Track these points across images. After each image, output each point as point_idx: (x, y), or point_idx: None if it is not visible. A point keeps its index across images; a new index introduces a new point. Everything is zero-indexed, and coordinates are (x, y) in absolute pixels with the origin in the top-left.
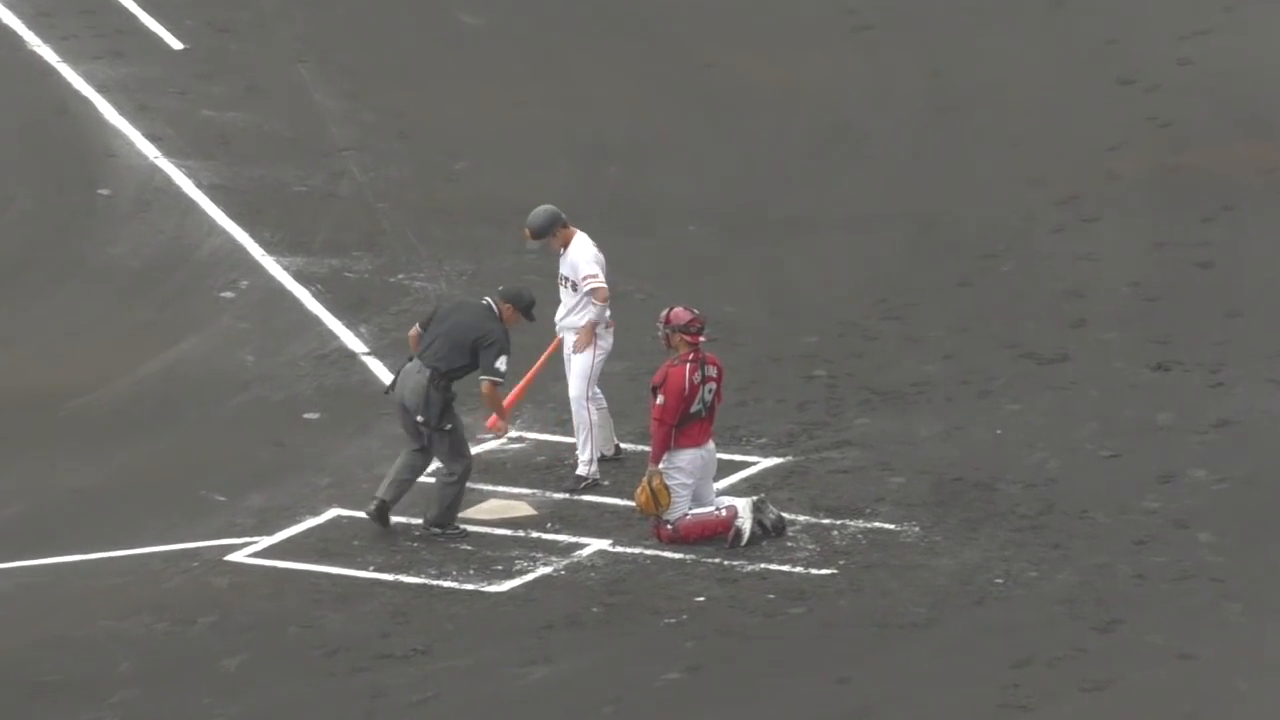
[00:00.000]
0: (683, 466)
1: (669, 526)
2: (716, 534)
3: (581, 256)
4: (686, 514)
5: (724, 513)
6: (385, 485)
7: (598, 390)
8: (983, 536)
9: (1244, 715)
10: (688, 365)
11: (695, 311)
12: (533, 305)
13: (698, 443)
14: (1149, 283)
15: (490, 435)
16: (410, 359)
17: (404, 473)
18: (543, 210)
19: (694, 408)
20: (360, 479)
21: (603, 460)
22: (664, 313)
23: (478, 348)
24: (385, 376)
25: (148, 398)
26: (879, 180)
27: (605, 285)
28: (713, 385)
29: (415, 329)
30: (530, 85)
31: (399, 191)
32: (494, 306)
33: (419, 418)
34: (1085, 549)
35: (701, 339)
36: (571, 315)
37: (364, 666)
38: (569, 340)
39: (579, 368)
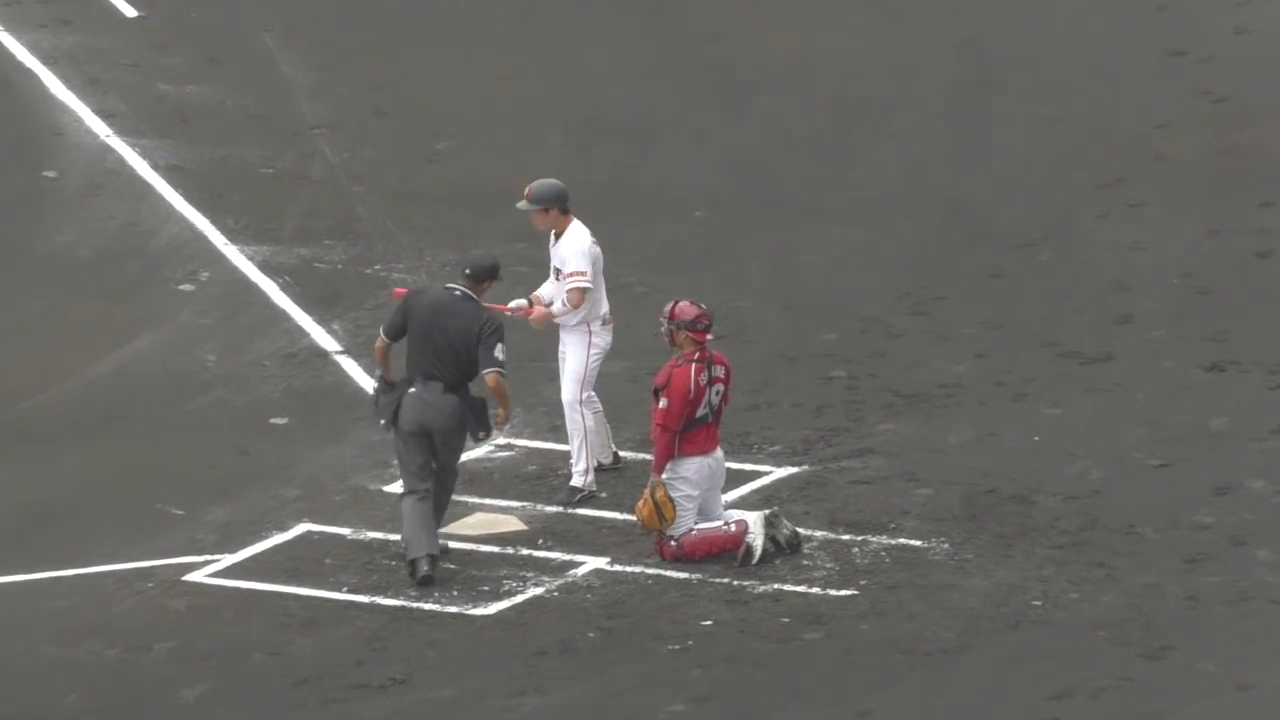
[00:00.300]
0: (688, 477)
1: (673, 543)
2: (725, 551)
3: (574, 249)
4: (692, 529)
5: (733, 528)
6: (422, 541)
7: (593, 394)
8: (1018, 554)
9: None
10: (693, 365)
11: (702, 306)
12: (499, 266)
13: (704, 450)
14: (1202, 274)
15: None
16: (406, 383)
17: (431, 519)
18: (554, 181)
19: (700, 412)
20: (333, 491)
21: (600, 470)
22: (668, 307)
23: (477, 343)
24: (360, 377)
25: (98, 401)
26: (904, 162)
27: (590, 288)
28: (720, 387)
29: (382, 340)
30: (520, 56)
31: (375, 174)
32: (469, 293)
33: (483, 435)
34: (1132, 568)
35: (709, 336)
36: (555, 305)
37: (336, 698)
38: (566, 339)
39: (572, 369)
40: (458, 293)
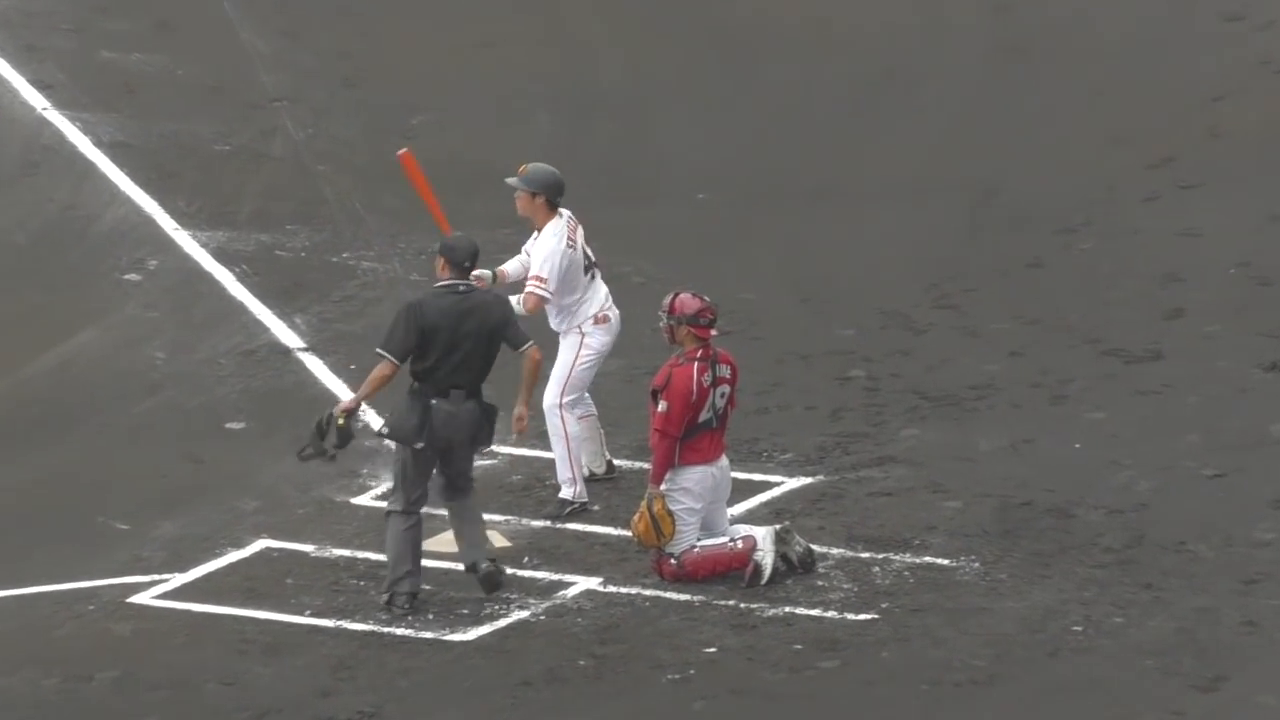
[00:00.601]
0: (689, 488)
1: (673, 561)
2: (731, 570)
3: (543, 251)
4: (694, 546)
5: (740, 544)
6: (474, 546)
7: (586, 396)
8: (1057, 574)
9: None
10: (695, 364)
11: (706, 299)
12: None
13: (707, 458)
14: (1261, 263)
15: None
16: (420, 397)
17: (473, 516)
18: (554, 170)
19: (703, 416)
20: (295, 503)
21: (591, 480)
22: (667, 300)
23: (502, 327)
24: (326, 377)
25: (34, 403)
26: (930, 139)
27: (547, 297)
28: (726, 388)
29: (392, 365)
30: (504, 21)
31: (343, 152)
32: (470, 284)
33: (485, 447)
34: (1183, 589)
35: (713, 332)
36: (552, 314)
37: None
38: (560, 339)
39: (556, 370)
40: (461, 288)
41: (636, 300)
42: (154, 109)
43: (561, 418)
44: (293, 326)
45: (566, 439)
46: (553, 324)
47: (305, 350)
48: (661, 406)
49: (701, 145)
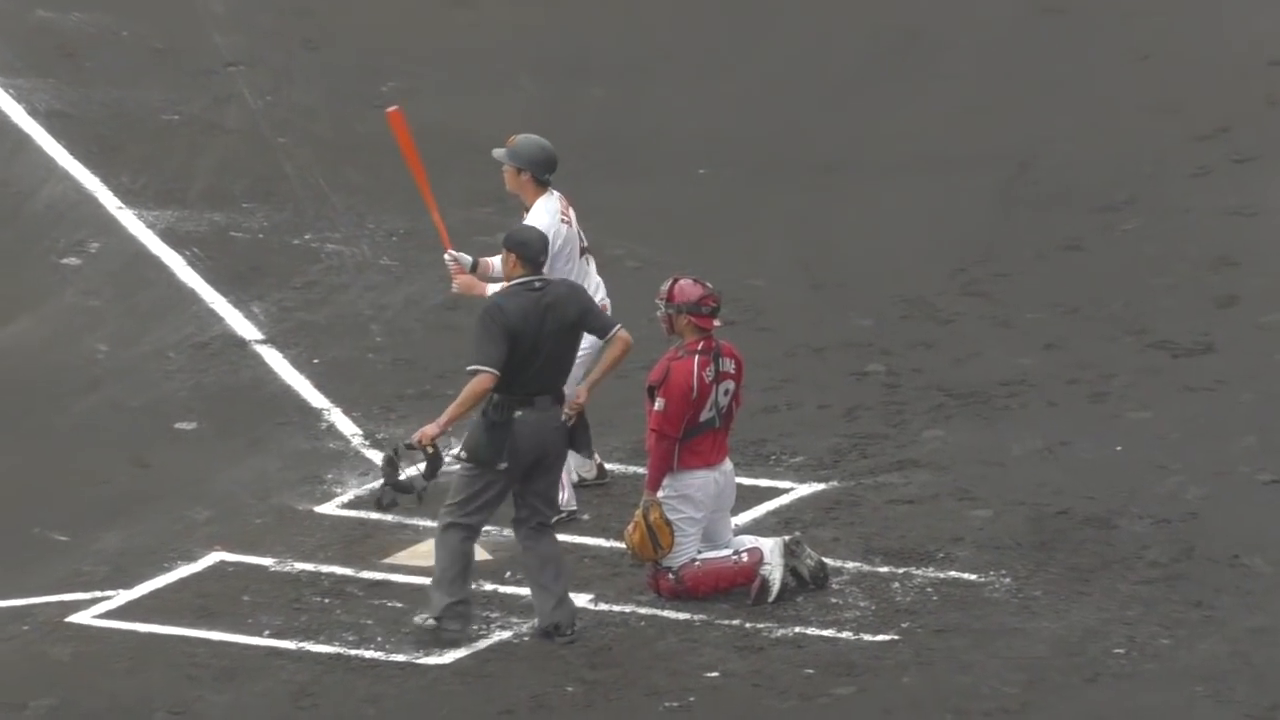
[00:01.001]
0: (690, 495)
1: (671, 576)
2: (734, 586)
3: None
4: (694, 559)
5: (745, 558)
6: (561, 604)
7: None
8: (1097, 591)
9: None
10: (696, 358)
11: (708, 286)
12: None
13: (709, 462)
14: None
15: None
16: (503, 410)
17: (559, 562)
18: (546, 144)
19: (704, 415)
20: (252, 512)
21: (580, 486)
22: (665, 286)
23: (584, 315)
24: (286, 372)
25: None
26: (958, 106)
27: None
28: (730, 384)
29: (492, 376)
30: None
31: (305, 122)
32: (546, 279)
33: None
34: (1237, 608)
35: (716, 323)
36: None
37: None
38: None
39: None
40: (537, 284)
41: (630, 287)
42: (95, 74)
43: None
44: (249, 316)
45: None
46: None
47: (263, 342)
48: (658, 405)
49: (703, 113)
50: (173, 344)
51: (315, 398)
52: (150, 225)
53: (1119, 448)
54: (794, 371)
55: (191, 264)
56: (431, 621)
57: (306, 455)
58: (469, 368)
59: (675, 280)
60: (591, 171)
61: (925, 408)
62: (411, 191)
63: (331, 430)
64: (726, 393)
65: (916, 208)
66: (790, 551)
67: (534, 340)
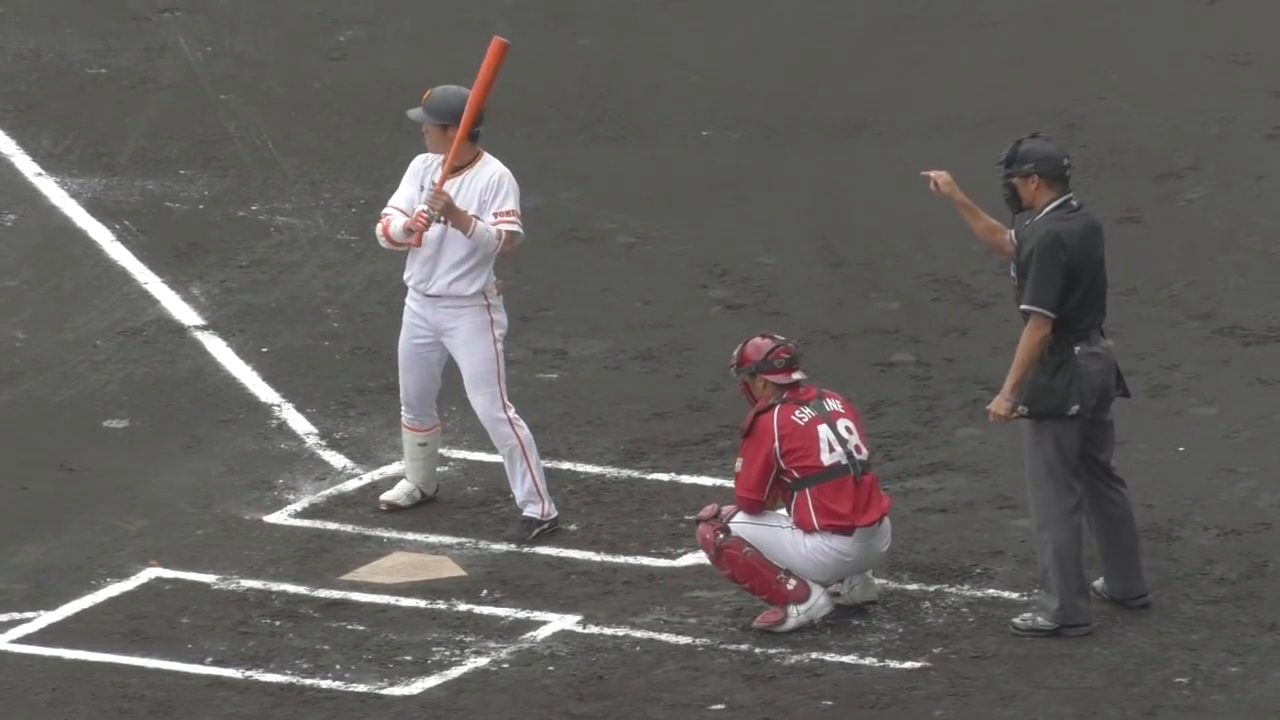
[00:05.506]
0: (820, 560)
1: (722, 535)
2: (758, 596)
3: (493, 179)
4: (748, 547)
5: (791, 585)
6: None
7: (433, 404)
8: (1156, 612)
9: None
10: (781, 406)
11: (777, 338)
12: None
13: (852, 521)
14: None
15: None
16: (1070, 348)
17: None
18: (465, 91)
19: (827, 458)
20: (192, 522)
21: (425, 502)
22: (735, 352)
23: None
24: (230, 362)
25: None
26: (995, 61)
27: (522, 232)
28: (847, 423)
29: (1048, 319)
30: None
31: (252, 76)
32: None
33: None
34: None
35: (795, 375)
36: (453, 272)
37: None
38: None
39: (481, 371)
40: (1074, 204)
41: (623, 266)
42: (8, 22)
43: (511, 426)
44: (188, 299)
45: (523, 448)
46: (446, 286)
47: (204, 329)
48: (738, 465)
49: (706, 66)
50: (100, 330)
51: (264, 391)
52: (74, 195)
53: (1181, 449)
54: (810, 361)
55: (121, 239)
56: (1039, 621)
57: (254, 457)
58: (1024, 307)
59: (743, 344)
60: (577, 133)
61: (959, 403)
62: (371, 154)
63: (283, 429)
64: (848, 429)
65: (949, 175)
66: (829, 604)
67: (1094, 269)
